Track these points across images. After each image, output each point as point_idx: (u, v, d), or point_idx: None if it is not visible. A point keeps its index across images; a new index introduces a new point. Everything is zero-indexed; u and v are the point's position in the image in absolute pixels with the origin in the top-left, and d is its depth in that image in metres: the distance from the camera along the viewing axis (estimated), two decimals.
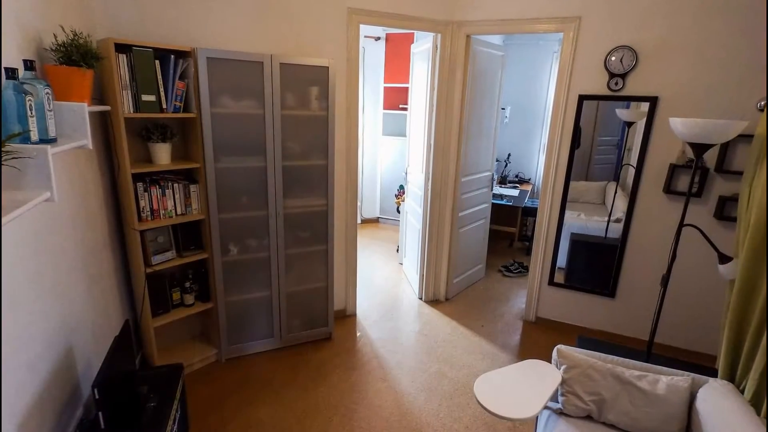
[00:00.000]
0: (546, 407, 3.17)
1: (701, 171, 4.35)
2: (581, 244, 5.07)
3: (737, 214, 3.23)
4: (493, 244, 7.97)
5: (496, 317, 5.61)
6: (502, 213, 7.65)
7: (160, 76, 3.52)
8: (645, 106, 4.44)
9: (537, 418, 3.27)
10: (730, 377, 3.03)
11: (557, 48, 8.05)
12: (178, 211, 3.95)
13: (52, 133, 2.12)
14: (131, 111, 3.43)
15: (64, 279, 2.80)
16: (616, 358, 3.15)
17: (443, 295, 6.00)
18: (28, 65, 2.08)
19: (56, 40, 2.61)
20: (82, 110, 2.42)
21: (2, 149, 1.69)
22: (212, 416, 3.78)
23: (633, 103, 4.53)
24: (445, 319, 5.50)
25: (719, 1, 3.99)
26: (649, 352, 3.84)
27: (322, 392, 4.13)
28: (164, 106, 3.60)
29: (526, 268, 6.99)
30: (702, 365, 4.35)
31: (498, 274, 6.96)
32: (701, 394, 2.82)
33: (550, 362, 3.28)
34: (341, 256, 5.15)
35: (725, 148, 4.20)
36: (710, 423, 2.63)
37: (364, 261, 7.26)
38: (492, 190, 6.47)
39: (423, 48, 5.57)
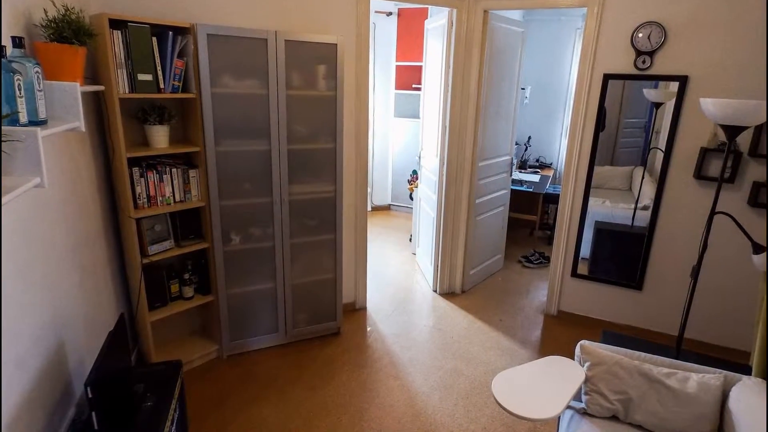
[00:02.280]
0: (569, 407, 3.15)
1: (734, 155, 4.30)
2: (606, 233, 5.04)
3: None
4: (513, 233, 7.94)
5: (516, 311, 5.60)
6: (521, 200, 7.62)
7: (157, 54, 3.51)
8: (674, 86, 4.40)
9: (559, 418, 3.26)
10: (765, 375, 3.01)
11: (580, 24, 7.99)
12: (177, 198, 3.95)
13: (42, 115, 2.11)
14: (126, 91, 3.42)
15: (54, 270, 2.81)
16: (643, 354, 3.13)
17: (459, 287, 5.99)
18: (17, 42, 2.07)
19: (46, 16, 2.60)
20: (75, 90, 2.41)
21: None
22: (213, 416, 3.79)
23: (661, 83, 4.49)
24: (461, 313, 5.49)
25: None
26: (678, 347, 3.82)
27: (330, 391, 4.14)
28: (162, 85, 3.59)
29: (548, 259, 6.96)
30: (735, 362, 4.33)
31: (517, 264, 6.95)
32: (734, 393, 2.79)
33: (573, 359, 3.27)
34: (350, 245, 5.14)
35: (759, 130, 4.16)
36: (744, 424, 2.60)
37: (374, 251, 7.26)
38: (511, 175, 6.44)
39: (438, 24, 5.53)
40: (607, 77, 4.61)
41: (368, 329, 5.09)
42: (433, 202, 5.89)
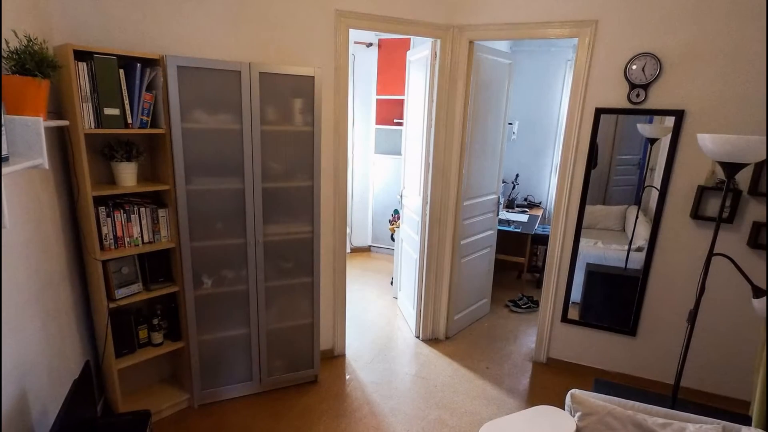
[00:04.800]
0: None
1: (733, 193, 4.36)
2: (598, 276, 5.07)
3: None
4: (500, 276, 7.99)
5: (503, 358, 5.60)
6: (509, 241, 7.65)
7: (125, 87, 3.53)
8: (670, 121, 4.46)
9: None
10: (765, 425, 3.03)
11: (571, 55, 8.13)
12: (145, 239, 3.95)
13: (3, 151, 2.12)
14: (92, 126, 3.43)
15: (16, 315, 2.79)
16: (637, 404, 3.15)
17: (443, 333, 5.99)
18: None
19: (8, 47, 2.63)
20: (37, 125, 2.42)
21: None
22: None
23: (656, 118, 4.54)
24: (446, 360, 5.48)
25: (753, 4, 4.02)
26: (674, 397, 3.84)
27: None
28: (129, 120, 3.61)
29: (537, 303, 6.99)
30: (734, 412, 4.35)
31: (505, 309, 6.96)
32: None
33: (563, 408, 3.28)
34: (328, 289, 5.14)
35: (760, 167, 4.22)
36: None
37: (354, 295, 7.26)
38: (498, 215, 6.49)
39: (420, 55, 5.62)
40: (599, 111, 4.67)
41: (347, 377, 5.07)
42: (415, 243, 5.91)
